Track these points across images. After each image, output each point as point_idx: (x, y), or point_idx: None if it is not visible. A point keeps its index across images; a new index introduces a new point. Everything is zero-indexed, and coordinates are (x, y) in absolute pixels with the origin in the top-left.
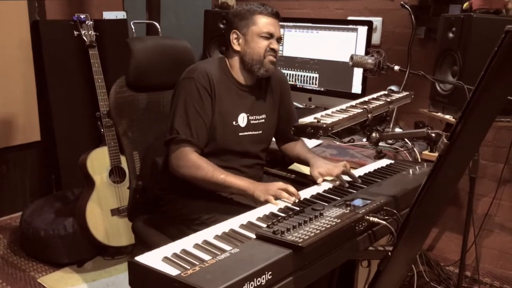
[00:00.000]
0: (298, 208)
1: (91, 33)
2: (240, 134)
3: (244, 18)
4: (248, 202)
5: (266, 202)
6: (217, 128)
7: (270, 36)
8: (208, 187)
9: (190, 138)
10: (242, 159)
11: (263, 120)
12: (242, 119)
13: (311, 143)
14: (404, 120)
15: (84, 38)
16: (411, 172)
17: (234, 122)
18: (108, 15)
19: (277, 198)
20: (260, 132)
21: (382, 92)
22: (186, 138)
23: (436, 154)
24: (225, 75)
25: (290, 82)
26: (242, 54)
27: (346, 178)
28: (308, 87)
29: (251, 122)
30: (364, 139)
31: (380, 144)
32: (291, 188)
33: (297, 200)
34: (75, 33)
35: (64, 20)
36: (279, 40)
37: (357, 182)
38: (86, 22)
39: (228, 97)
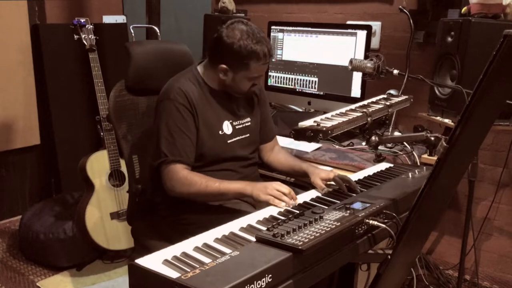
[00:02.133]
0: (298, 211)
1: (91, 37)
2: (228, 141)
3: (240, 62)
4: (246, 208)
5: (266, 201)
6: (205, 141)
7: (258, 76)
8: (206, 200)
9: (179, 158)
10: (235, 162)
11: (248, 124)
12: (227, 127)
13: (310, 146)
14: (403, 124)
15: (84, 42)
16: (410, 176)
17: (220, 132)
18: (108, 19)
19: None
20: (248, 135)
21: (381, 96)
22: (175, 159)
23: (435, 158)
24: (200, 87)
25: (289, 86)
26: (227, 84)
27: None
28: (308, 91)
29: (236, 127)
30: (364, 143)
31: (379, 147)
32: (292, 193)
33: (294, 204)
34: (75, 37)
35: (64, 24)
36: None
37: (356, 192)
38: (86, 26)
39: (209, 109)
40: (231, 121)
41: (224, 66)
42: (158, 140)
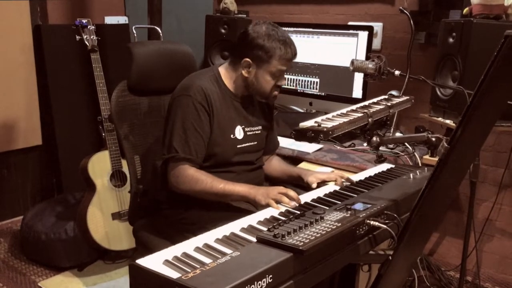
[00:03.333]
0: (298, 212)
1: (93, 37)
2: (238, 146)
3: (263, 55)
4: (248, 207)
5: (267, 205)
6: (217, 143)
7: (280, 73)
8: (209, 199)
9: (189, 156)
10: (241, 166)
11: (258, 132)
12: (239, 132)
13: (311, 147)
14: (405, 124)
15: (86, 42)
16: (411, 177)
17: (232, 135)
18: (110, 20)
19: (277, 202)
20: (256, 143)
21: (382, 97)
22: (185, 157)
23: (436, 159)
24: (219, 89)
25: (291, 87)
26: (249, 82)
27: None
28: (309, 92)
29: (248, 133)
30: (365, 144)
31: (380, 148)
32: (291, 193)
33: (297, 204)
34: (77, 37)
35: (66, 25)
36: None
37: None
38: (88, 27)
39: (225, 111)
40: (243, 126)
41: (247, 59)
42: (170, 135)
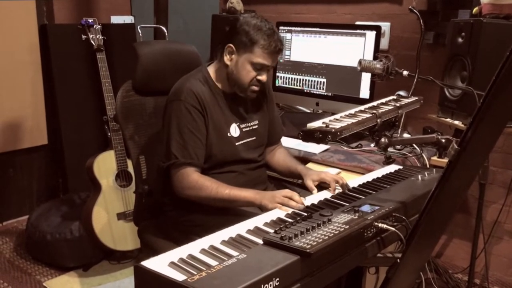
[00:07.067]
0: (305, 214)
1: (99, 37)
2: (236, 144)
3: (246, 41)
4: (254, 210)
5: (273, 209)
6: (214, 143)
7: (262, 67)
8: (215, 205)
9: (189, 160)
10: (243, 165)
11: (255, 127)
12: (234, 130)
13: (318, 148)
14: (413, 125)
15: (92, 42)
16: (420, 178)
17: (228, 134)
18: (116, 19)
19: (283, 205)
20: (254, 138)
21: (391, 97)
22: (186, 161)
23: (444, 160)
24: (210, 88)
25: (298, 87)
26: (230, 71)
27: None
28: (316, 92)
29: (244, 130)
30: (372, 144)
31: (388, 149)
32: (296, 197)
33: (302, 208)
34: (83, 37)
35: (72, 24)
36: (271, 68)
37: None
38: (94, 26)
39: (218, 110)
40: (238, 123)
41: (231, 45)
42: (168, 142)
